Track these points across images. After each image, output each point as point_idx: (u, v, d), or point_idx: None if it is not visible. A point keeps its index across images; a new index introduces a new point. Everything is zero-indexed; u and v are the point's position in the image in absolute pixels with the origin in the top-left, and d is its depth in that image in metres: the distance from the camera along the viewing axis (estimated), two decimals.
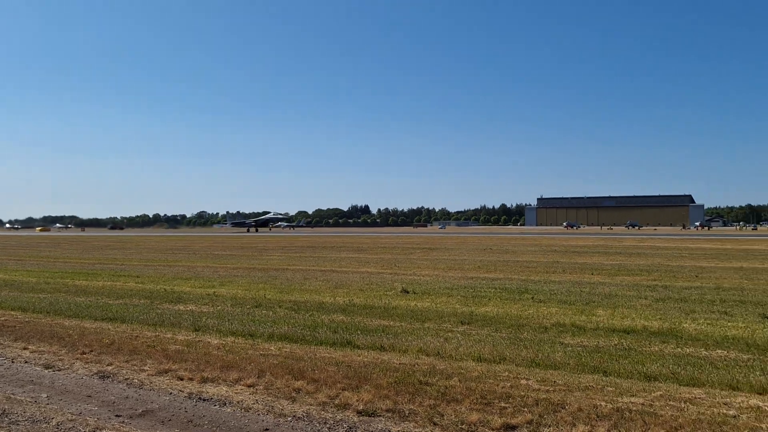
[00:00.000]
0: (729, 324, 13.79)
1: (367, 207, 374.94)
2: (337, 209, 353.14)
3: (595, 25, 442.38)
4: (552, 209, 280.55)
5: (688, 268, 29.19)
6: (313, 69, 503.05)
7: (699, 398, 8.02)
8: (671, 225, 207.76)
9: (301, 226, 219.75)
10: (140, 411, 8.07)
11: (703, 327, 13.42)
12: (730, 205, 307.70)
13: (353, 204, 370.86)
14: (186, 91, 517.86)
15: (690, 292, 19.46)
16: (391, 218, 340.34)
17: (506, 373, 9.46)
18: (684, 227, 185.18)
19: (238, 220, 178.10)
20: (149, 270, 30.93)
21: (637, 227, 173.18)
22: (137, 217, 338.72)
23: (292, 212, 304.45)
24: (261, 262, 36.50)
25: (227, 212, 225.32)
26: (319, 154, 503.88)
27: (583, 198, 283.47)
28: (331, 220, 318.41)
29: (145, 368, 10.21)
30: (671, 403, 7.82)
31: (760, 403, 7.74)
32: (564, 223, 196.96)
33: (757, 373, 9.38)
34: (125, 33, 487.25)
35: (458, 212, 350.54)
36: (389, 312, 16.07)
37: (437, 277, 25.74)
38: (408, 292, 19.97)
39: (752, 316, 14.90)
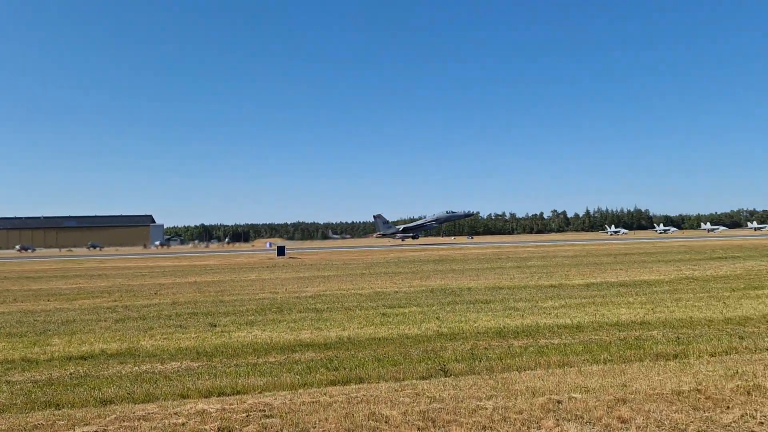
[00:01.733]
0: (183, 336, 14.95)
1: None
2: None
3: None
4: (3, 231, 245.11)
5: (148, 286, 30.28)
6: None
7: (153, 413, 8.26)
8: (134, 245, 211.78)
9: None
10: None
11: (160, 342, 14.12)
12: (186, 225, 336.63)
13: None
14: None
15: (149, 310, 20.19)
16: None
17: None
18: (145, 246, 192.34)
19: None
20: None
21: (99, 248, 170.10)
22: None
23: None
24: None
25: None
26: None
27: (40, 218, 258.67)
28: None
29: None
30: (125, 423, 7.78)
31: (206, 407, 8.56)
32: (17, 246, 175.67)
33: (205, 377, 10.44)
34: None
35: None
36: None
37: None
38: None
39: (203, 326, 16.56)
